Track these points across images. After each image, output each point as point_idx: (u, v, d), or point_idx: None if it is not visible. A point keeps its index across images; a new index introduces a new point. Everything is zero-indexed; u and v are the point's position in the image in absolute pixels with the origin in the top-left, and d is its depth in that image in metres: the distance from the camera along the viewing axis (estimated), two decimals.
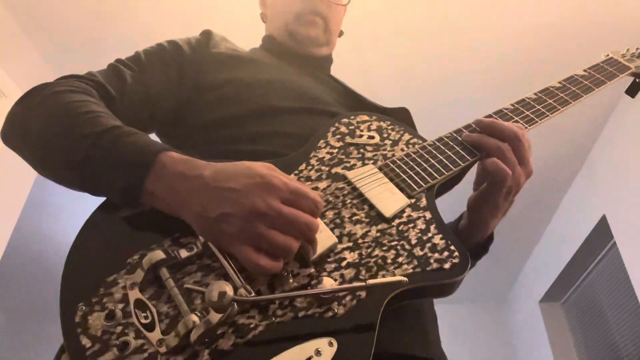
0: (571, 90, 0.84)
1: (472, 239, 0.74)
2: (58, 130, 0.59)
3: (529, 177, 0.69)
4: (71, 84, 0.67)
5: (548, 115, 0.78)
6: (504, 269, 3.86)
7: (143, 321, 0.46)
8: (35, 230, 3.28)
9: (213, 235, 0.50)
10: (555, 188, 3.11)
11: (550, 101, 0.81)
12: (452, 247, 0.55)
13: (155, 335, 0.45)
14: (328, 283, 0.50)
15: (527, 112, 0.78)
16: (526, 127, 0.74)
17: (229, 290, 0.44)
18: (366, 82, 2.43)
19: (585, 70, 0.91)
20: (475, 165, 0.72)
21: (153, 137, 0.78)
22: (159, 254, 0.49)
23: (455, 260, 0.54)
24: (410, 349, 0.61)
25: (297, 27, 0.94)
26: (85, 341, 0.45)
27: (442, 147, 0.70)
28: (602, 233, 2.78)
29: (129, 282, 0.49)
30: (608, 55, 0.98)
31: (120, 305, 0.47)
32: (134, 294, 0.48)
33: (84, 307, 0.47)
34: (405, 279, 0.50)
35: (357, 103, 0.90)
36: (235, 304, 0.46)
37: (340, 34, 1.06)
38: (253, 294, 0.47)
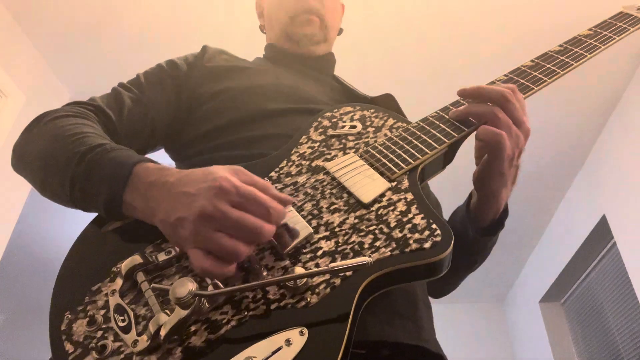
0: (573, 52, 0.77)
1: (486, 215, 0.72)
2: (49, 154, 0.63)
3: (528, 137, 0.67)
4: (69, 109, 0.72)
5: (546, 81, 0.72)
6: (504, 269, 3.86)
7: (120, 324, 0.49)
8: (35, 230, 3.28)
9: (174, 239, 0.51)
10: (555, 188, 3.11)
11: (548, 66, 0.75)
12: (434, 226, 0.53)
13: (131, 336, 0.48)
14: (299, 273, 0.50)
15: (522, 80, 0.73)
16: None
17: (191, 286, 0.46)
18: (366, 81, 2.43)
19: (590, 29, 0.82)
20: (473, 141, 0.69)
21: (161, 153, 0.84)
22: (135, 259, 0.52)
23: (437, 239, 0.51)
24: (401, 337, 0.60)
25: (293, 28, 0.96)
26: (69, 347, 0.48)
27: (426, 127, 0.67)
28: (602, 233, 2.78)
29: (110, 289, 0.52)
30: (621, 11, 0.88)
31: (102, 311, 0.50)
32: (114, 300, 0.51)
33: (69, 316, 0.50)
34: (370, 259, 0.48)
35: (352, 99, 0.91)
36: (206, 301, 0.47)
37: (340, 31, 1.07)
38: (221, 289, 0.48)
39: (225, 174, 0.51)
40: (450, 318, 4.04)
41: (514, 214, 3.08)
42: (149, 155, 0.76)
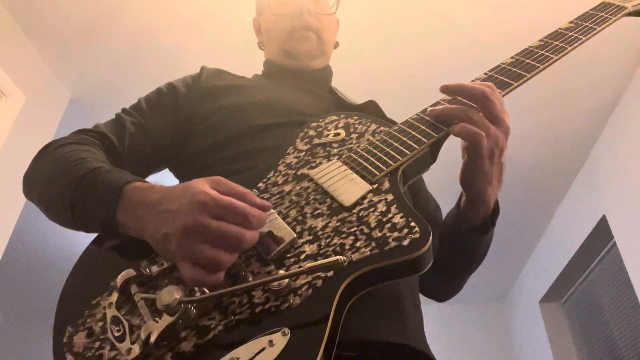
0: (553, 45, 0.77)
1: (476, 213, 0.74)
2: (52, 182, 0.68)
3: (508, 135, 0.68)
4: (72, 137, 0.76)
5: (526, 76, 0.73)
6: (504, 269, 3.86)
7: (116, 334, 0.52)
8: (35, 230, 3.28)
9: (164, 254, 0.54)
10: (555, 188, 3.12)
11: (528, 61, 0.75)
12: (412, 224, 0.54)
13: (125, 345, 0.50)
14: None
15: (502, 77, 0.73)
16: (501, 92, 0.71)
17: (177, 294, 0.48)
18: (369, 87, 2.44)
19: (571, 22, 0.83)
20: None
21: (165, 173, 0.89)
22: (129, 272, 0.55)
23: (415, 236, 0.52)
24: (385, 336, 0.62)
25: (291, 44, 0.99)
26: (70, 357, 0.52)
27: (407, 129, 0.69)
28: (602, 233, 2.78)
29: (107, 302, 0.55)
30: (603, 1, 0.88)
31: (100, 324, 0.54)
32: (111, 312, 0.54)
33: (70, 329, 0.54)
34: (343, 258, 0.50)
35: (342, 108, 0.93)
36: (194, 307, 0.50)
37: (336, 45, 1.10)
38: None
39: (204, 187, 0.53)
40: (450, 318, 4.05)
41: (514, 214, 3.08)
42: (153, 176, 0.80)
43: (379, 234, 0.54)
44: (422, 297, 0.82)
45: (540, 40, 0.80)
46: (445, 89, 0.71)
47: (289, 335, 0.46)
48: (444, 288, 0.90)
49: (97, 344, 0.52)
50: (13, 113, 2.15)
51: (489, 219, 0.75)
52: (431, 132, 0.67)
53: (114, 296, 0.55)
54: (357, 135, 0.72)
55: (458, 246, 0.78)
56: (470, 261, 0.82)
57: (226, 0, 2.12)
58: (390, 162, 0.64)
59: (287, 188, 0.65)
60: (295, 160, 0.70)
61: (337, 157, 0.68)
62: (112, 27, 2.23)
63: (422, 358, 0.65)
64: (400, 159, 0.64)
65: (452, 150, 0.84)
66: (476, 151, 0.65)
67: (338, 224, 0.57)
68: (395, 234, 0.53)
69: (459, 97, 0.69)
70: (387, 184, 0.61)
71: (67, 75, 2.46)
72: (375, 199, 0.59)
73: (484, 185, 0.70)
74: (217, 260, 0.50)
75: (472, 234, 0.76)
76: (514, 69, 0.74)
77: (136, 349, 0.49)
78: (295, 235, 0.56)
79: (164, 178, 0.77)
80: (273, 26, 1.03)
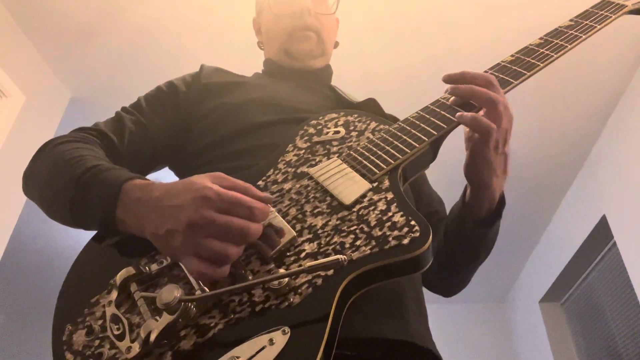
0: (553, 43, 0.78)
1: (481, 205, 0.74)
2: (51, 180, 0.68)
3: (512, 124, 0.69)
4: (72, 135, 0.76)
5: (526, 74, 0.73)
6: (504, 269, 3.86)
7: (115, 333, 0.52)
8: (35, 230, 3.28)
9: (166, 250, 0.54)
10: (555, 188, 3.12)
11: (528, 59, 0.75)
12: (412, 222, 0.54)
13: (125, 343, 0.50)
14: None
15: (502, 75, 0.73)
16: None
17: (177, 292, 0.48)
18: (369, 87, 2.44)
19: (571, 20, 0.83)
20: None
21: (165, 171, 0.88)
22: (129, 271, 0.55)
23: (415, 235, 0.52)
24: (386, 333, 0.62)
25: (291, 45, 1.00)
26: (69, 356, 0.52)
27: (407, 127, 0.69)
28: (602, 233, 2.78)
29: (107, 300, 0.55)
30: None
31: (100, 322, 0.54)
32: (110, 310, 0.54)
33: (70, 327, 0.54)
34: (343, 257, 0.50)
35: (342, 106, 0.93)
36: (194, 306, 0.50)
37: (336, 45, 1.11)
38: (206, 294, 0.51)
39: (207, 182, 0.53)
40: (450, 318, 4.04)
41: (514, 214, 3.08)
42: (152, 174, 0.79)
43: (379, 233, 0.54)
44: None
45: (541, 39, 0.80)
46: (448, 79, 0.71)
47: (289, 333, 0.46)
48: (449, 283, 0.89)
49: (97, 342, 0.52)
50: (13, 113, 2.15)
51: (495, 212, 0.75)
52: (431, 130, 0.67)
53: (114, 294, 0.55)
54: (357, 133, 0.72)
55: (463, 240, 0.78)
56: (475, 255, 0.81)
57: (226, 0, 2.13)
58: (391, 160, 0.64)
59: (286, 186, 0.65)
60: (295, 158, 0.70)
61: (336, 155, 0.68)
62: (112, 26, 2.23)
63: (426, 354, 0.65)
64: (401, 157, 0.64)
65: (453, 149, 0.85)
66: (483, 143, 0.66)
67: (338, 222, 0.57)
68: (396, 233, 0.53)
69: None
70: (387, 183, 0.61)
71: (67, 75, 2.46)
72: (375, 197, 0.59)
73: (489, 176, 0.70)
74: (224, 253, 0.50)
75: (478, 228, 0.76)
76: (514, 67, 0.74)
77: (136, 348, 0.49)
78: (295, 233, 0.56)
79: (165, 177, 0.77)
80: (273, 26, 1.03)
